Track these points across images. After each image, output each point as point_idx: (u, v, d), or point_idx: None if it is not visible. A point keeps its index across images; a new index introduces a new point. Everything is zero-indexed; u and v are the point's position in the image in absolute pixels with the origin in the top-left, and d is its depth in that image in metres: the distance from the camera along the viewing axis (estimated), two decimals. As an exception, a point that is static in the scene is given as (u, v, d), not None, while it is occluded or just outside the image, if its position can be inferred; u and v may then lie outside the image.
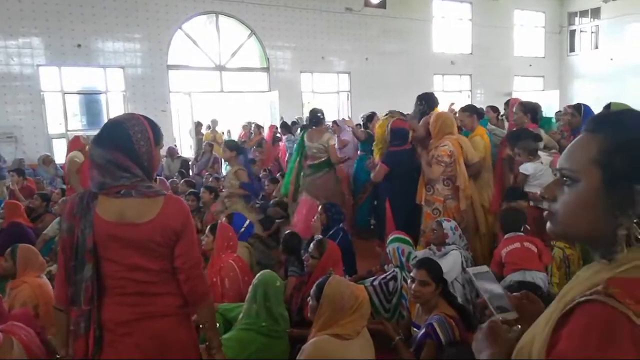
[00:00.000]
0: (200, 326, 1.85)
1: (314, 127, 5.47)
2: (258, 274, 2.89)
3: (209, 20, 12.34)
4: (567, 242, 3.22)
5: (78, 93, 11.03)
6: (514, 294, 1.04)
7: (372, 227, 5.21)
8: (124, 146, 1.63)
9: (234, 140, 5.73)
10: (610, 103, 4.03)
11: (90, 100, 11.26)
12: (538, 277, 3.03)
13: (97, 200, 1.62)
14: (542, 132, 4.47)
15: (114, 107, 11.10)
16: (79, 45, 10.38)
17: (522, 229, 3.38)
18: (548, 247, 3.33)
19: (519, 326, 0.95)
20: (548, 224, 0.85)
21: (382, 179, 4.41)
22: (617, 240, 0.74)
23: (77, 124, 11.02)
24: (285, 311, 2.86)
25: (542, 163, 3.88)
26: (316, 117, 5.48)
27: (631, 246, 0.73)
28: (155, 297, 1.67)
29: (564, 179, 0.82)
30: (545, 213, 0.86)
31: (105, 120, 9.12)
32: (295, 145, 5.81)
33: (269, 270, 2.94)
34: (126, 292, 1.64)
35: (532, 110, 4.50)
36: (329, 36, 13.64)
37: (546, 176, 3.78)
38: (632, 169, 0.74)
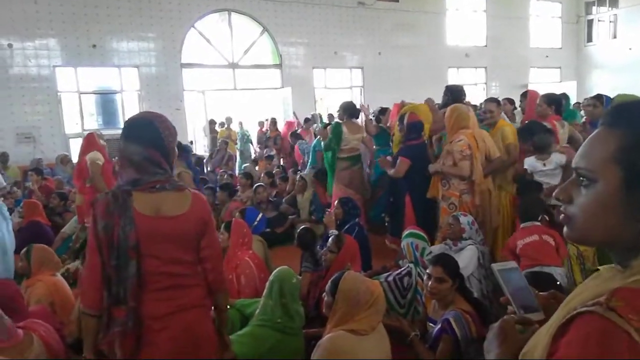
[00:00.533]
0: (213, 308, 1.95)
1: (352, 120, 5.38)
2: (275, 270, 2.90)
3: (222, 18, 12.38)
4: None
5: (94, 93, 11.18)
6: (542, 293, 0.99)
7: (385, 223, 5.18)
8: (157, 143, 1.69)
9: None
10: (617, 95, 3.93)
11: (105, 100, 11.40)
12: (557, 273, 2.98)
13: (132, 197, 1.64)
14: (566, 125, 4.38)
15: (129, 106, 11.23)
16: (94, 46, 10.52)
17: (539, 219, 3.31)
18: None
19: (537, 326, 0.89)
20: (565, 229, 0.79)
21: (403, 173, 4.38)
22: (639, 245, 0.69)
23: (94, 124, 11.17)
24: (301, 308, 2.86)
25: (544, 165, 3.83)
26: (354, 109, 5.42)
27: None
28: (187, 289, 1.74)
29: (581, 179, 0.75)
30: (561, 217, 0.80)
31: (122, 120, 9.23)
32: (329, 140, 5.42)
33: (286, 266, 2.94)
34: (162, 286, 1.67)
35: (555, 101, 4.39)
36: (341, 31, 13.59)
37: (550, 176, 3.74)
38: None
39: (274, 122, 10.87)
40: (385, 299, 2.32)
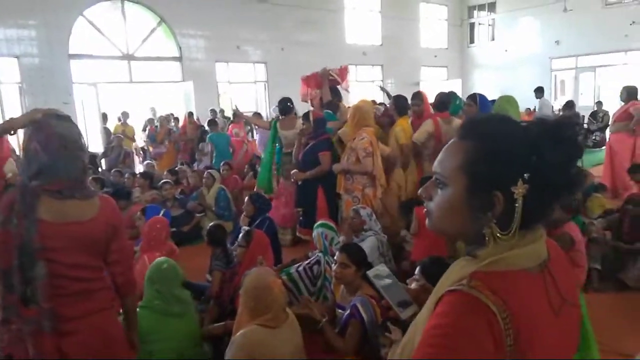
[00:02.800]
0: (122, 311, 1.98)
1: (284, 116, 5.53)
2: None
3: (114, 6, 11.64)
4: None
5: (-36, 85, 9.99)
6: (412, 287, 1.16)
7: (300, 217, 5.32)
8: (83, 147, 1.73)
9: None
10: (499, 97, 4.31)
11: (-20, 93, 10.21)
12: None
13: (40, 201, 1.60)
14: (454, 120, 4.81)
15: (8, 100, 10.17)
16: (-37, 33, 9.38)
17: None
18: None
19: None
20: (427, 221, 0.93)
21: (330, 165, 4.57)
22: (483, 238, 0.83)
23: (-35, 119, 9.98)
24: (181, 292, 2.83)
25: None
26: (286, 106, 5.55)
27: (495, 242, 0.82)
28: (94, 293, 1.74)
29: (437, 181, 0.89)
30: (424, 210, 0.94)
31: (0, 115, 8.23)
32: (268, 136, 5.84)
33: (161, 257, 2.98)
34: (69, 292, 1.66)
35: (436, 100, 4.90)
36: (243, 25, 13.44)
37: None
38: (492, 176, 0.81)
39: (165, 117, 10.52)
40: (285, 292, 2.42)
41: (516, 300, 0.77)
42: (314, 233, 3.58)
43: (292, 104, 5.64)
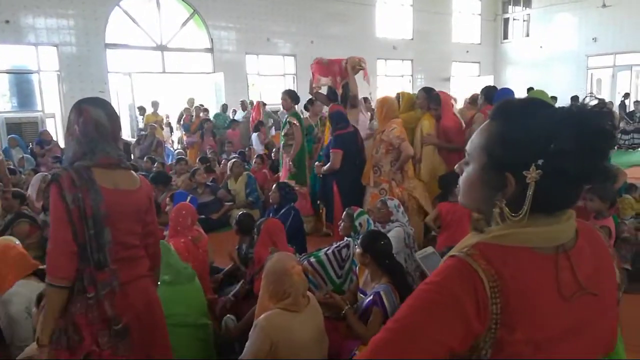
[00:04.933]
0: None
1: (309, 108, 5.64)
2: None
3: (149, -3, 11.90)
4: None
5: (7, 72, 10.38)
6: None
7: (321, 210, 5.35)
8: (118, 120, 1.87)
9: None
10: (532, 91, 4.28)
11: (21, 80, 10.61)
12: None
13: (93, 172, 1.72)
14: None
15: (47, 88, 10.54)
16: (7, 22, 9.73)
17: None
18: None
19: None
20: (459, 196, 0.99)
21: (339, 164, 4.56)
22: (492, 217, 0.87)
23: (7, 105, 10.38)
24: (177, 262, 2.82)
25: None
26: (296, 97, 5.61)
27: (504, 222, 0.85)
28: (138, 259, 1.88)
29: (466, 159, 0.94)
30: (457, 187, 0.99)
31: (39, 101, 8.69)
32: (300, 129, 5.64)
33: None
34: (120, 257, 1.78)
35: (485, 93, 4.76)
36: (273, 18, 13.53)
37: None
38: (505, 158, 0.84)
39: (198, 108, 10.62)
40: (305, 278, 2.42)
41: (512, 273, 0.80)
42: (359, 220, 3.53)
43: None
